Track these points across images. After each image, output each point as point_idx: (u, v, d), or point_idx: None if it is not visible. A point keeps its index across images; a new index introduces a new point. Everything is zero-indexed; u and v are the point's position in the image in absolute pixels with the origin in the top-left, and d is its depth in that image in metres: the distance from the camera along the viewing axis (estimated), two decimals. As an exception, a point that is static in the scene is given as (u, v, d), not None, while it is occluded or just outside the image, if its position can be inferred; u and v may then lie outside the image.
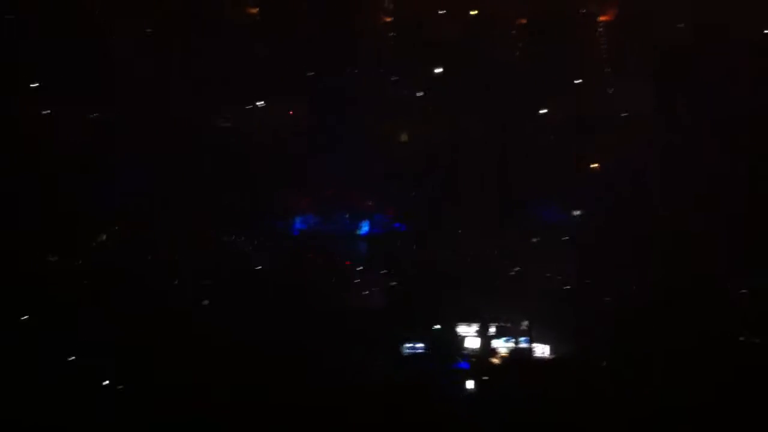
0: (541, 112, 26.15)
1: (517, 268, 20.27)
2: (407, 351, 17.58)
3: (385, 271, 20.50)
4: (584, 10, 27.12)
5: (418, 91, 26.97)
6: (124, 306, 17.57)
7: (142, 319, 17.14)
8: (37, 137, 22.53)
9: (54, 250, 19.97)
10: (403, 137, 26.83)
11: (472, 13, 27.11)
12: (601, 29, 27.06)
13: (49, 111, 23.15)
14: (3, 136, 21.40)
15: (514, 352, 17.53)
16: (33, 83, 22.92)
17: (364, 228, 23.84)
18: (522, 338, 17.59)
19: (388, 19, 26.89)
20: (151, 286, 18.59)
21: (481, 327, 17.91)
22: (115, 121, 23.89)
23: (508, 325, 17.85)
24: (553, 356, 17.21)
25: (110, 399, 15.56)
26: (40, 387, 15.15)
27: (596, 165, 25.91)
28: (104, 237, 21.28)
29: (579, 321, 17.70)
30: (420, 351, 17.58)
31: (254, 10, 26.45)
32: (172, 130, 23.95)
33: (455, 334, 18.05)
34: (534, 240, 22.04)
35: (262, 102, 26.05)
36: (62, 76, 23.24)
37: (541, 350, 17.31)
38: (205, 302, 18.89)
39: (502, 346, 17.71)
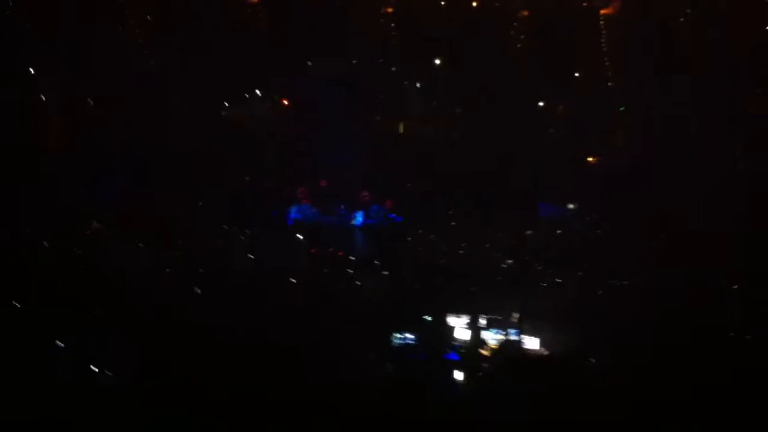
0: (539, 104, 26.22)
1: (509, 261, 20.27)
2: (397, 342, 17.50)
3: (378, 262, 20.49)
4: (586, 3, 27.08)
5: (417, 83, 27.06)
6: (116, 299, 17.55)
7: (133, 312, 17.09)
8: (33, 129, 22.63)
9: (48, 241, 19.97)
10: (400, 128, 26.89)
11: (473, 4, 27.08)
12: (602, 22, 26.98)
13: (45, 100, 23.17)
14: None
15: (504, 344, 17.44)
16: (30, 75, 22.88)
17: (359, 219, 23.84)
18: (512, 330, 17.50)
19: (390, 10, 26.85)
20: (142, 277, 18.54)
21: (471, 319, 17.81)
22: (108, 114, 23.96)
23: (499, 317, 17.75)
24: (542, 348, 17.14)
25: (106, 394, 15.54)
26: (36, 383, 15.19)
27: (593, 159, 25.94)
28: (97, 226, 21.32)
29: (570, 314, 17.64)
30: (410, 342, 17.50)
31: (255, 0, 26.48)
32: (165, 121, 24.04)
33: (446, 325, 17.96)
34: (527, 233, 22.10)
35: (258, 92, 26.14)
36: (60, 68, 23.30)
37: (531, 342, 17.22)
38: (198, 290, 18.83)
39: (492, 338, 17.60)
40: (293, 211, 23.94)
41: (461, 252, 21.13)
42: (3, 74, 21.95)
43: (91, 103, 24.06)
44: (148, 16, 25.04)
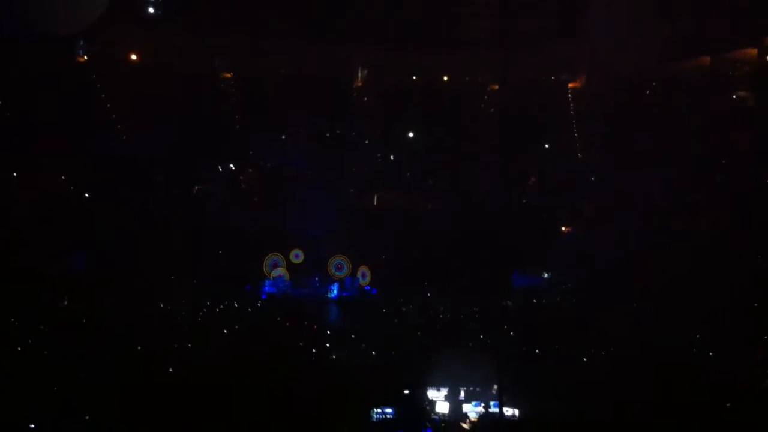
0: (511, 176, 26.47)
1: (488, 332, 20.15)
2: (376, 417, 17.19)
3: (353, 335, 20.28)
4: (554, 77, 27.64)
5: (390, 155, 27.35)
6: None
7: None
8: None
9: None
10: (374, 201, 27.03)
11: (444, 79, 27.53)
12: (570, 95, 27.48)
13: None
14: None
15: (484, 417, 17.18)
16: None
17: (334, 291, 23.76)
18: (492, 402, 17.26)
19: (360, 84, 27.20)
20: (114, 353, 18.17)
21: (450, 391, 17.56)
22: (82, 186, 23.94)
23: (478, 389, 17.51)
24: (522, 420, 16.91)
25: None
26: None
27: (565, 228, 26.18)
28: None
29: (548, 385, 17.48)
30: (389, 416, 17.19)
31: (228, 75, 26.72)
32: (138, 195, 24.00)
33: (425, 398, 17.68)
34: (504, 303, 22.07)
35: (231, 166, 26.23)
36: None
37: (511, 414, 16.98)
38: (170, 370, 18.45)
39: (471, 410, 17.34)
40: (267, 285, 23.83)
41: (438, 324, 21.02)
42: None
43: (64, 178, 24.02)
44: (123, 95, 25.16)
